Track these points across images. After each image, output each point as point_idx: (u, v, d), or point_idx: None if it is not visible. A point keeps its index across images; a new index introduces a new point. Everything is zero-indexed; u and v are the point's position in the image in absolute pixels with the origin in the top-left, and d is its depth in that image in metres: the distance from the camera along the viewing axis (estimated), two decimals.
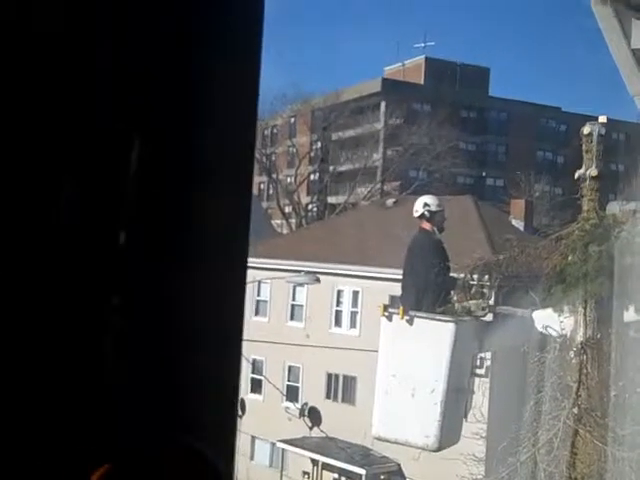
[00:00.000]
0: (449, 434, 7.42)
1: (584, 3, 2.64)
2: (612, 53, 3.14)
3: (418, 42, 57.97)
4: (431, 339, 7.29)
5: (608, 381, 7.89)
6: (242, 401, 22.72)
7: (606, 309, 7.85)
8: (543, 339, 8.48)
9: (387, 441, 8.02)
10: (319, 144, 47.08)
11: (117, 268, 0.70)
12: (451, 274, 8.03)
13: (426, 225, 7.93)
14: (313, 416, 23.57)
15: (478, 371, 7.97)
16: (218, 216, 0.75)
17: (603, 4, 2.40)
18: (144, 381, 0.72)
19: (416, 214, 7.96)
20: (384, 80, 47.46)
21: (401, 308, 7.37)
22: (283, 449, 24.16)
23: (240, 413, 21.57)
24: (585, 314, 8.06)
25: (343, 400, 24.33)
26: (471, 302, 7.75)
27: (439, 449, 7.46)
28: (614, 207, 8.94)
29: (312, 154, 47.31)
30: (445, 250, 7.98)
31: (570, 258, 8.20)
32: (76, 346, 0.69)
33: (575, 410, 8.16)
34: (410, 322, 7.32)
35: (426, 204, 7.97)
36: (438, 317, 7.35)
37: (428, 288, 7.60)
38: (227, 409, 0.80)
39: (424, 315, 7.37)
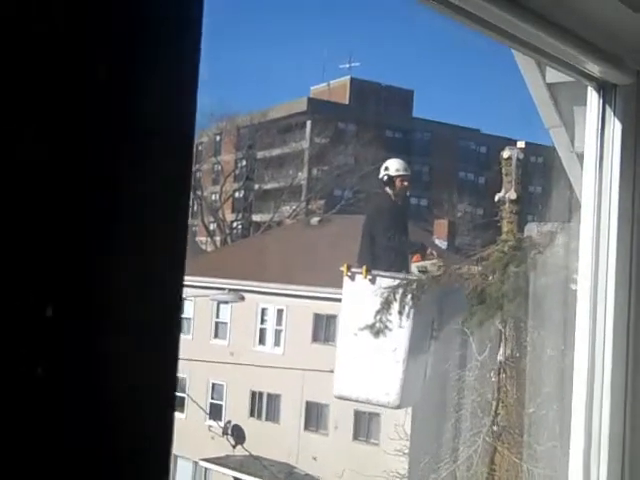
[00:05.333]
0: (409, 393, 7.45)
1: None
2: (528, 87, 3.28)
3: (343, 63, 58.58)
4: None
5: (526, 399, 8.10)
6: None
7: (524, 328, 8.08)
8: (464, 357, 8.66)
9: (348, 399, 7.98)
10: (244, 162, 47.06)
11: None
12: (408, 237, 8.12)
13: (387, 189, 7.97)
14: (237, 434, 23.43)
15: (435, 334, 8.00)
16: (155, 239, 0.75)
17: None
18: (76, 403, 0.70)
19: (380, 176, 8.02)
20: (310, 99, 47.74)
21: (364, 267, 7.41)
22: (206, 468, 23.95)
23: None
24: (504, 333, 8.27)
25: (267, 418, 24.26)
26: (427, 262, 7.85)
27: (399, 407, 7.53)
28: (532, 228, 9.20)
29: (237, 172, 47.23)
30: (403, 213, 8.03)
31: (490, 279, 8.41)
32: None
33: (494, 427, 8.35)
34: (372, 281, 7.38)
35: (386, 168, 8.01)
36: (400, 275, 7.42)
37: (384, 250, 7.66)
38: (163, 430, 0.79)
39: (387, 274, 7.42)
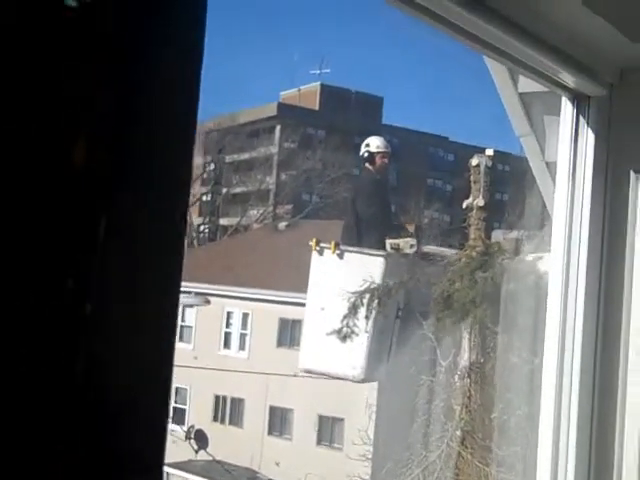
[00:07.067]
0: (374, 368, 7.50)
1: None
2: (500, 96, 3.33)
3: (314, 69, 58.64)
4: (362, 273, 7.39)
5: (489, 404, 8.16)
6: None
7: (489, 334, 8.14)
8: (430, 363, 8.70)
9: (314, 373, 8.03)
10: (213, 166, 46.89)
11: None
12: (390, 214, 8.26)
13: (367, 165, 8.19)
14: (199, 439, 23.29)
15: (401, 313, 8.04)
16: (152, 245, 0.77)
17: None
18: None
19: (360, 153, 8.25)
20: (280, 104, 47.71)
21: (333, 242, 7.50)
22: (168, 473, 23.79)
23: None
24: (469, 339, 8.32)
25: (230, 423, 24.17)
26: (400, 240, 7.94)
27: (364, 380, 7.59)
28: (498, 235, 9.28)
29: (205, 175, 47.03)
30: (385, 190, 8.22)
31: (457, 284, 8.45)
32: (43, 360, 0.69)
33: (458, 432, 8.39)
34: (340, 256, 7.43)
35: (367, 145, 8.23)
36: (368, 251, 7.47)
37: (368, 226, 7.77)
38: (158, 433, 0.81)
39: (354, 250, 7.50)
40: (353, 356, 7.33)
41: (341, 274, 7.42)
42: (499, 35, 1.94)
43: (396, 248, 7.85)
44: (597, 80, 2.19)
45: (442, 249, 8.78)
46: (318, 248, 7.55)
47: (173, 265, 0.78)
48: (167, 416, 0.79)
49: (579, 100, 2.25)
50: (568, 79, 2.19)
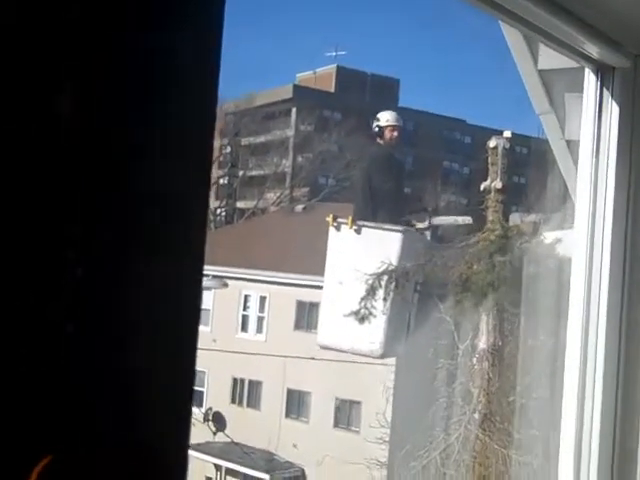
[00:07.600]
0: (392, 343, 7.51)
1: (494, 24, 2.74)
2: (520, 73, 3.27)
3: (330, 51, 58.38)
4: (378, 248, 7.39)
5: (507, 387, 8.12)
6: None
7: (508, 317, 8.08)
8: (447, 346, 8.67)
9: (332, 349, 8.04)
10: (229, 149, 46.89)
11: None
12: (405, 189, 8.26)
13: (378, 139, 8.19)
14: (217, 421, 23.39)
15: (419, 288, 8.03)
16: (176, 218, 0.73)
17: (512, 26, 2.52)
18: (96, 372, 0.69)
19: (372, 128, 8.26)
20: (296, 87, 47.60)
21: (350, 217, 7.52)
22: None
23: None
24: (488, 322, 8.27)
25: (248, 405, 24.26)
26: (413, 215, 7.97)
27: (382, 356, 7.60)
28: (516, 218, 9.21)
29: (222, 158, 47.05)
30: (399, 163, 8.21)
31: (475, 267, 8.40)
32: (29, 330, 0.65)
33: (476, 415, 8.37)
34: (358, 232, 7.42)
35: (377, 119, 8.24)
36: (386, 227, 7.47)
37: (381, 200, 7.77)
38: (183, 418, 0.78)
39: (372, 225, 7.50)
40: (372, 333, 7.32)
41: (359, 249, 7.43)
42: (525, 4, 1.88)
43: (412, 224, 7.86)
44: (621, 51, 2.12)
45: (454, 217, 8.74)
46: (335, 224, 7.55)
47: (195, 246, 0.74)
48: (191, 400, 0.76)
49: (603, 72, 2.18)
50: (592, 50, 2.12)
